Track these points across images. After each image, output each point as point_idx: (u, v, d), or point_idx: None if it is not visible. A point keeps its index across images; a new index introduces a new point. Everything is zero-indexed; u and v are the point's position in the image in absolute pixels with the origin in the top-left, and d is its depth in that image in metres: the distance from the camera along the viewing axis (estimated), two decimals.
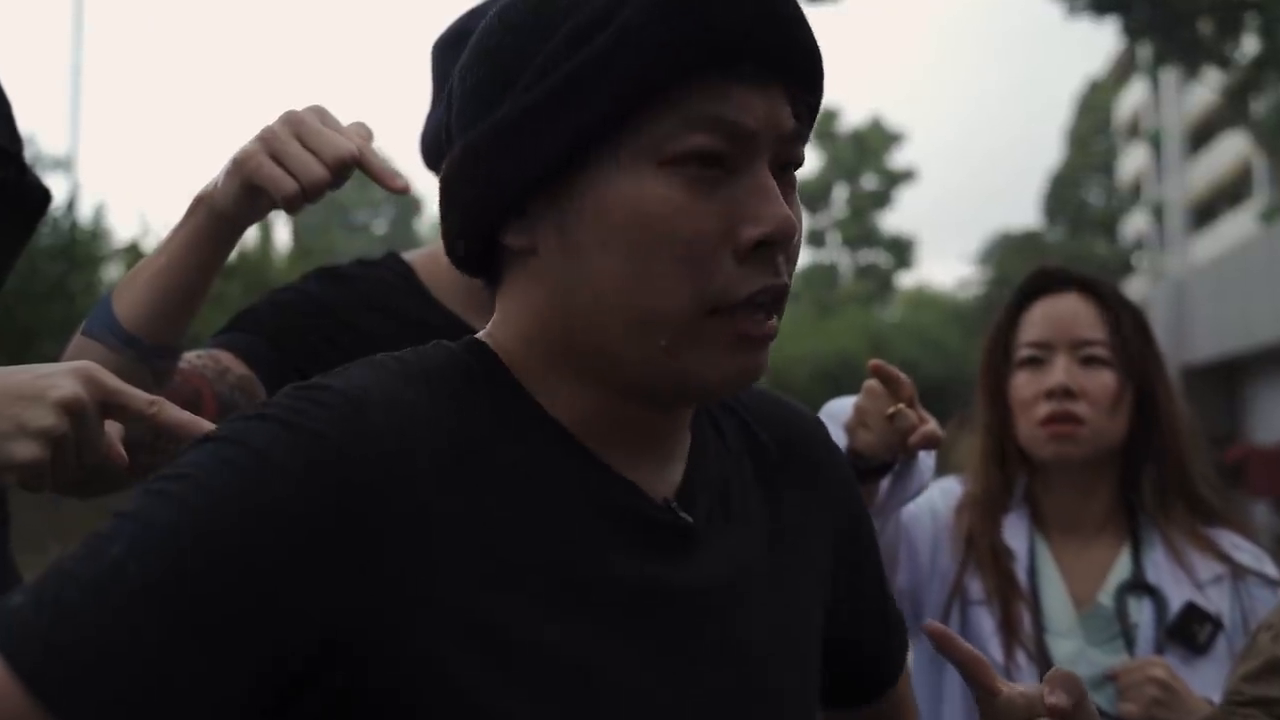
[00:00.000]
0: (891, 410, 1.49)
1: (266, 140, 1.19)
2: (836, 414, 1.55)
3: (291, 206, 1.18)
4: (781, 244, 0.82)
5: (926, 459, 1.58)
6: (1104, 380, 1.78)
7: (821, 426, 1.05)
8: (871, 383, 1.52)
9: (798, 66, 0.83)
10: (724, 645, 0.86)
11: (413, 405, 0.79)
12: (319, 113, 1.23)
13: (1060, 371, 1.78)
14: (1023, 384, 1.82)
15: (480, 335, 0.89)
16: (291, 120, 1.20)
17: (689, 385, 0.83)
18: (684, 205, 0.80)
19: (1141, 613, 1.73)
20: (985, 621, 1.73)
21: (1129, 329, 1.81)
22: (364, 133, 1.23)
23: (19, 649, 0.69)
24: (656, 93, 0.79)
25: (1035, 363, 1.81)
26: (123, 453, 1.00)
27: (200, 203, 1.24)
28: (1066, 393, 1.77)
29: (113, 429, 1.00)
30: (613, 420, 0.86)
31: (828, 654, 1.00)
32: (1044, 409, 1.78)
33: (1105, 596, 1.76)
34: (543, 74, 0.81)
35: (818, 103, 0.87)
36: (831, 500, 1.01)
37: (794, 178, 0.86)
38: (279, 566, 0.72)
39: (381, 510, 0.75)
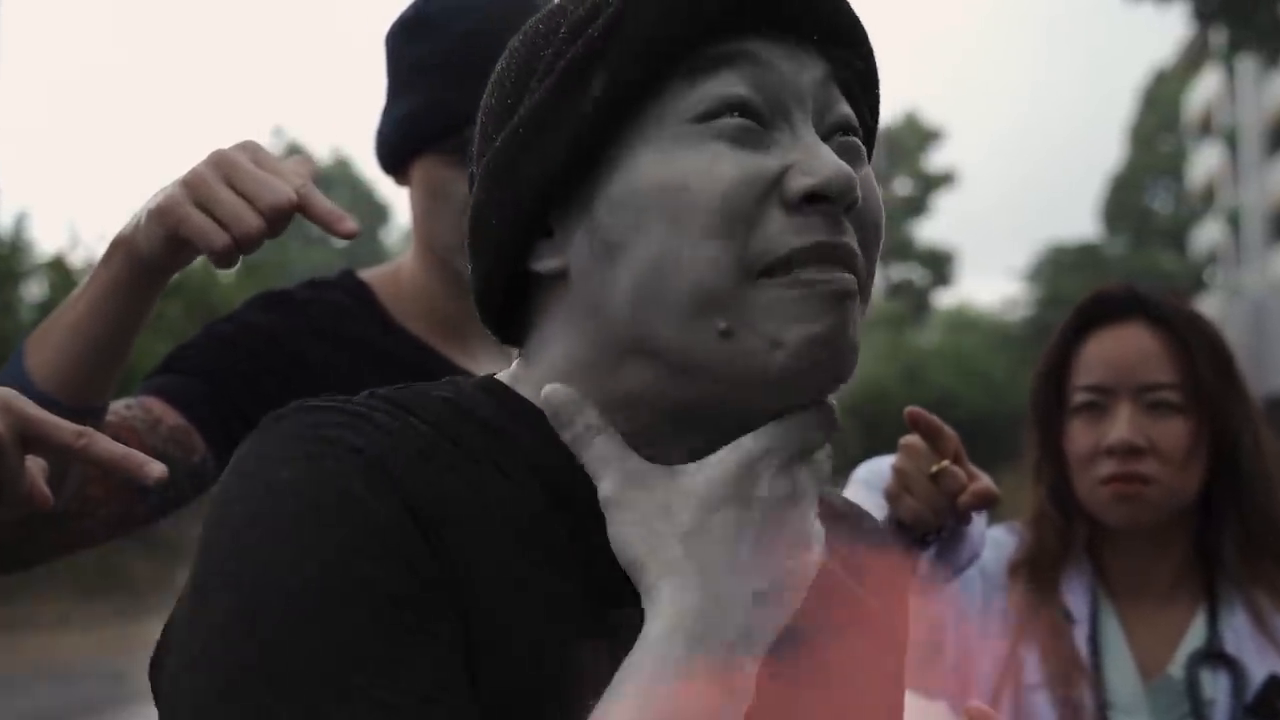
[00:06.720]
0: (935, 469, 1.45)
1: (192, 186, 1.18)
2: (873, 481, 1.52)
3: (223, 261, 1.18)
4: (839, 200, 0.81)
5: (979, 522, 1.55)
6: (1174, 430, 1.74)
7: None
8: (910, 439, 1.48)
9: (823, 22, 0.86)
10: None
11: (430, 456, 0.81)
12: (251, 151, 1.21)
13: (1123, 424, 1.74)
14: (1079, 435, 1.79)
15: (502, 375, 0.91)
16: (220, 162, 1.19)
17: (769, 374, 0.80)
18: (716, 157, 0.81)
19: (1217, 686, 1.72)
20: (1044, 710, 1.72)
21: (1205, 366, 1.76)
22: (303, 171, 1.22)
23: None
24: (665, 62, 0.83)
25: (1093, 409, 1.78)
26: (46, 492, 0.99)
27: (118, 248, 1.23)
28: (1131, 449, 1.73)
29: (34, 465, 0.99)
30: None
31: None
32: (1105, 467, 1.75)
33: (1176, 667, 1.75)
34: (548, 73, 0.86)
35: (867, 63, 0.90)
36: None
37: (857, 145, 0.87)
38: (415, 546, 0.76)
39: (424, 506, 0.78)
